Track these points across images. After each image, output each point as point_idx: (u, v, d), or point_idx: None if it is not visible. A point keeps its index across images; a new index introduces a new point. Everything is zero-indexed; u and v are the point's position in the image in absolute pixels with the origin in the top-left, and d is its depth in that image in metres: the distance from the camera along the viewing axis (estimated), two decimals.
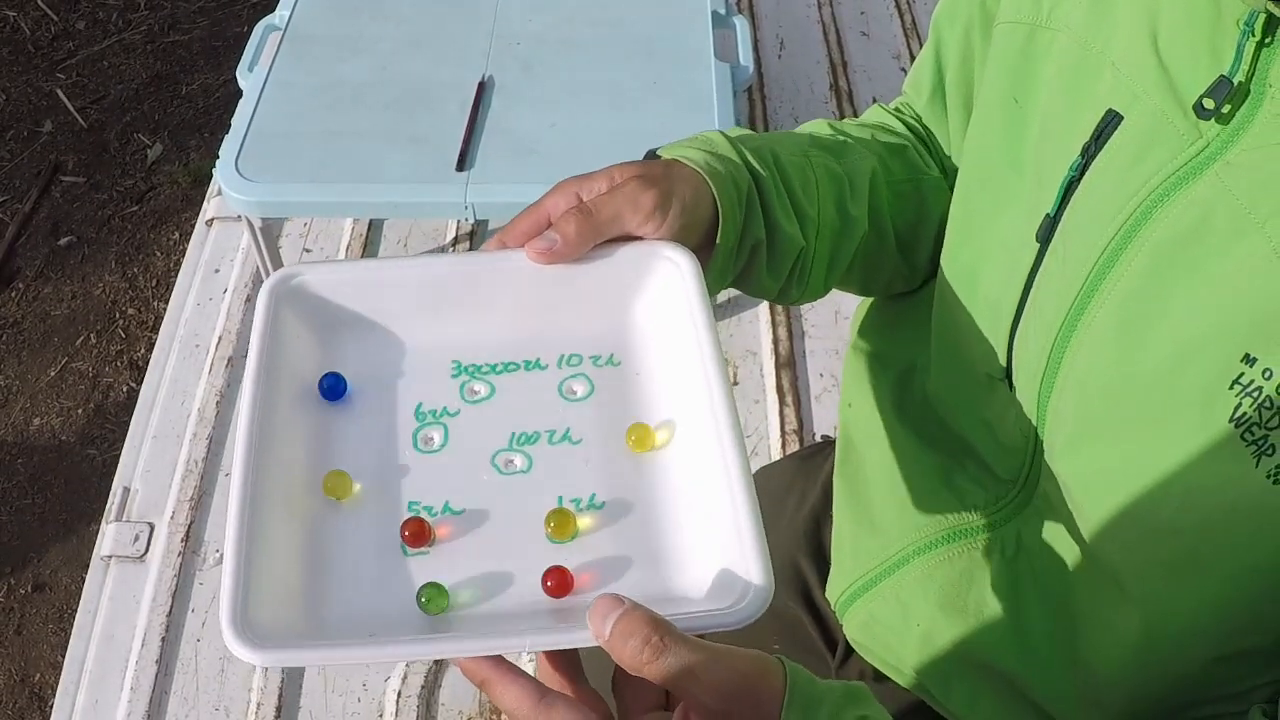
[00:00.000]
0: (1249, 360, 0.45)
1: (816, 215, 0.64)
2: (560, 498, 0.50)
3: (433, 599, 0.46)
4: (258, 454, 0.48)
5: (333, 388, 0.53)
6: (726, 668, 0.42)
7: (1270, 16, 0.44)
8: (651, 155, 0.62)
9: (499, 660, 0.44)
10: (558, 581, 0.47)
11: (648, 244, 0.56)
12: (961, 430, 0.65)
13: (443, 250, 1.69)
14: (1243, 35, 0.45)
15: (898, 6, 2.10)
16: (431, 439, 0.53)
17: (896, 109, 0.75)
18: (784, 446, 1.43)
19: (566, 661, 0.46)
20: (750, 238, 0.61)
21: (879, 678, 0.75)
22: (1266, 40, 0.45)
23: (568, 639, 0.43)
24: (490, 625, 0.46)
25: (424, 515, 0.49)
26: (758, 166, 0.62)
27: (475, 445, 0.53)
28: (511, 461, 0.52)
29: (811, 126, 0.71)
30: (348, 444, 0.52)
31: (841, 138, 0.69)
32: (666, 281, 0.56)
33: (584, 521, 0.49)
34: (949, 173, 0.72)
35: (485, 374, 0.55)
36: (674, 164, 0.59)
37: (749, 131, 0.66)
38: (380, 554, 0.48)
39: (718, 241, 0.59)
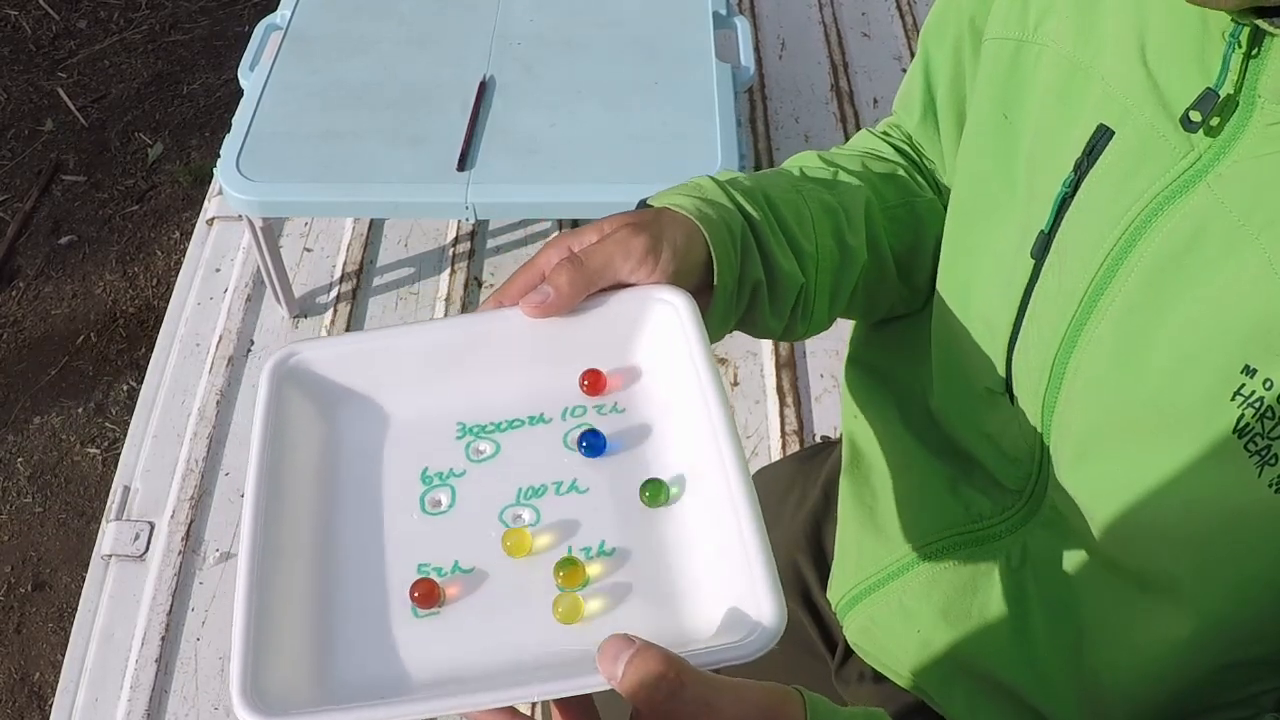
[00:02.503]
0: (1249, 371, 0.46)
1: (815, 250, 0.64)
2: (570, 547, 0.50)
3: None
4: (264, 527, 0.48)
5: (591, 444, 0.53)
6: (745, 701, 0.41)
7: (1256, 28, 0.44)
8: (644, 205, 0.62)
9: (513, 712, 0.44)
10: (594, 380, 0.52)
11: (642, 289, 0.56)
12: (966, 443, 0.65)
13: (443, 251, 1.69)
14: (1228, 47, 0.45)
15: (899, 7, 2.10)
16: (439, 501, 0.53)
17: (884, 132, 0.75)
18: (784, 447, 1.44)
19: (582, 709, 0.45)
20: (749, 279, 0.61)
21: (878, 678, 0.75)
22: (1253, 52, 0.45)
23: (578, 684, 0.42)
24: (502, 678, 0.45)
25: (433, 576, 0.50)
26: (749, 208, 0.62)
27: (483, 503, 0.53)
28: (520, 516, 0.52)
29: (801, 160, 0.71)
30: (353, 510, 0.53)
31: (832, 169, 0.69)
32: (664, 324, 0.56)
33: (594, 569, 0.49)
34: (943, 192, 0.71)
35: (490, 433, 0.55)
36: (664, 211, 0.59)
37: (739, 174, 0.66)
38: (390, 617, 0.48)
39: (715, 285, 0.59)
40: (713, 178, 0.65)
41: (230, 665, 0.43)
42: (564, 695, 0.43)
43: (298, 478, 0.52)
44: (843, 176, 0.69)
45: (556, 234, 0.59)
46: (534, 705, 0.42)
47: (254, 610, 0.45)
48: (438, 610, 0.48)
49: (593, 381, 0.55)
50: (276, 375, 0.55)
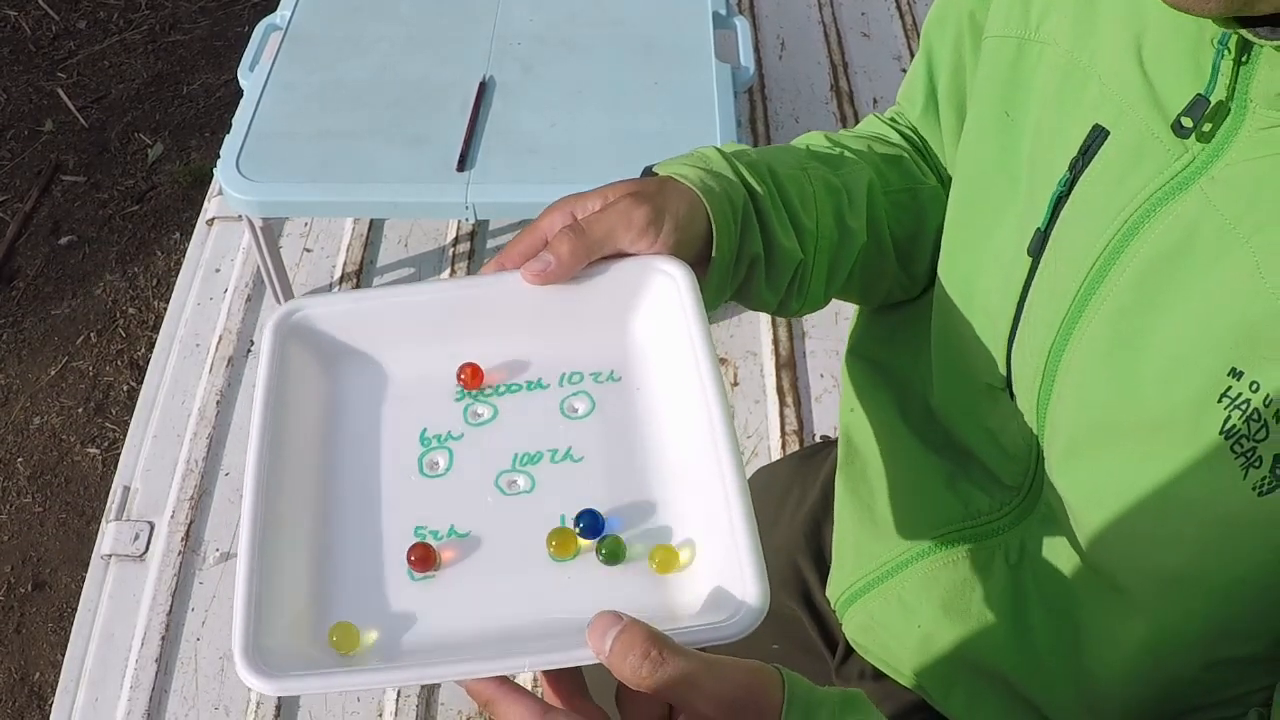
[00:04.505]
0: (1235, 374, 0.46)
1: (815, 228, 0.64)
2: (562, 517, 0.51)
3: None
4: (266, 485, 0.49)
5: (590, 526, 0.51)
6: (725, 679, 0.42)
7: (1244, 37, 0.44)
8: (649, 172, 0.63)
9: (502, 680, 0.44)
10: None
11: (643, 259, 0.57)
12: (965, 438, 0.65)
13: (443, 251, 1.69)
14: (1218, 54, 0.45)
15: (898, 7, 2.10)
16: (437, 463, 0.53)
17: (892, 118, 0.75)
18: (784, 447, 1.44)
19: (570, 678, 0.46)
20: (747, 253, 0.61)
21: (878, 676, 0.75)
22: (1243, 58, 0.45)
23: (569, 657, 0.43)
24: (494, 646, 0.46)
25: (429, 540, 0.50)
26: (753, 182, 0.62)
27: (479, 468, 0.53)
28: (515, 482, 0.53)
29: (808, 139, 0.71)
30: (355, 470, 0.53)
31: (838, 149, 0.69)
32: (663, 295, 0.56)
33: (585, 540, 0.50)
34: (945, 182, 0.72)
35: (488, 396, 0.56)
36: (668, 181, 0.60)
37: (745, 146, 0.67)
38: (387, 580, 0.49)
39: (713, 257, 0.59)
40: (719, 149, 0.65)
41: (233, 625, 0.44)
42: (556, 667, 0.44)
43: (300, 435, 0.53)
44: (848, 158, 0.69)
45: (560, 198, 0.59)
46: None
47: (256, 572, 0.46)
48: (433, 574, 0.49)
49: (471, 374, 0.55)
50: (280, 331, 0.55)
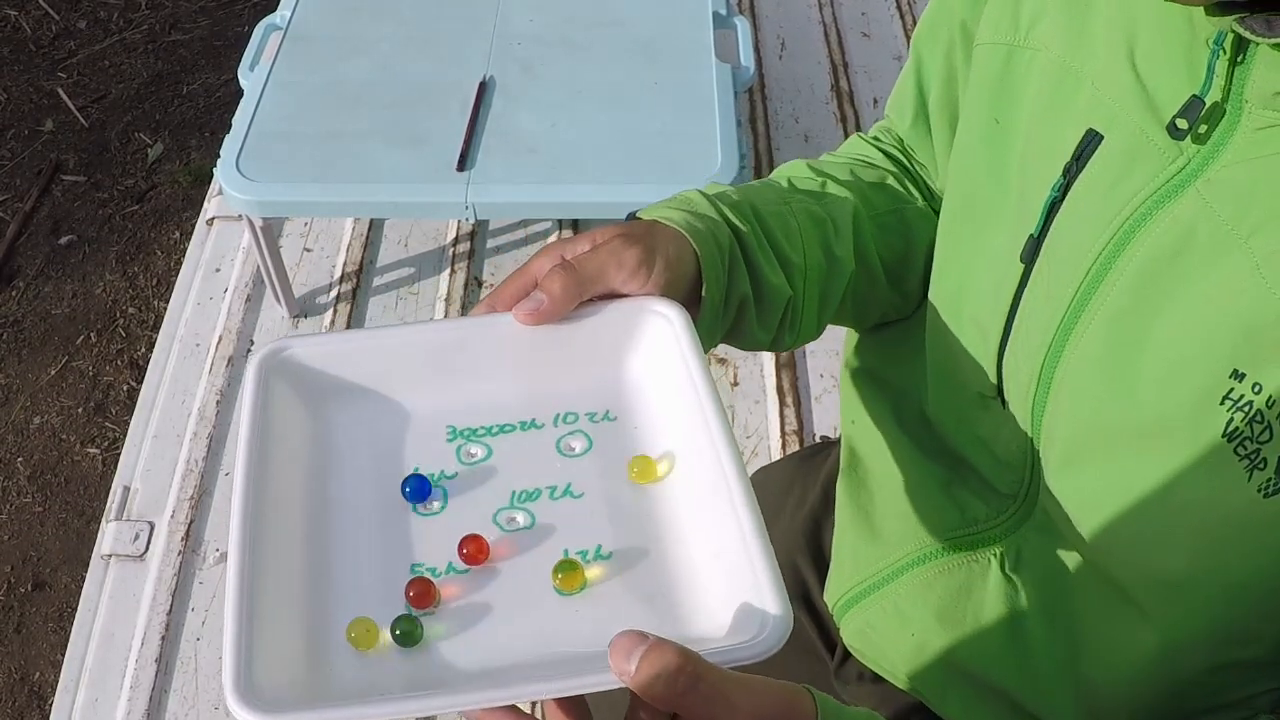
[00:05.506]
0: (1237, 375, 0.46)
1: (802, 262, 0.64)
2: (566, 550, 0.50)
3: (407, 631, 0.46)
4: (254, 522, 0.48)
5: (417, 490, 0.51)
6: (761, 696, 0.41)
7: (1240, 35, 0.44)
8: (633, 218, 0.63)
9: (516, 712, 0.43)
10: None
11: (636, 299, 0.56)
12: (960, 447, 0.65)
13: (443, 251, 1.69)
14: (1213, 54, 0.45)
15: (899, 7, 2.10)
16: (431, 502, 0.52)
17: (875, 137, 0.75)
18: (784, 447, 1.44)
19: (576, 714, 0.45)
20: (736, 293, 0.61)
21: (877, 679, 0.75)
22: (1239, 59, 0.45)
23: (585, 683, 0.42)
24: (502, 676, 0.45)
25: (428, 576, 0.49)
26: (737, 222, 0.62)
27: (476, 505, 0.52)
28: (514, 519, 0.51)
29: (789, 170, 0.71)
30: (344, 510, 0.52)
31: (820, 179, 0.69)
32: (658, 335, 0.56)
33: (592, 572, 0.49)
34: (935, 197, 0.71)
35: (481, 436, 0.55)
36: (655, 223, 0.59)
37: (727, 187, 0.67)
38: (385, 616, 0.47)
39: (703, 298, 0.59)
40: (701, 191, 0.65)
41: (223, 661, 0.43)
42: (570, 694, 0.42)
43: (287, 474, 0.52)
44: (831, 187, 0.69)
45: (548, 242, 0.59)
46: (532, 705, 0.42)
47: (245, 607, 0.45)
48: (433, 610, 0.48)
49: (472, 551, 0.50)
50: (264, 369, 0.54)
